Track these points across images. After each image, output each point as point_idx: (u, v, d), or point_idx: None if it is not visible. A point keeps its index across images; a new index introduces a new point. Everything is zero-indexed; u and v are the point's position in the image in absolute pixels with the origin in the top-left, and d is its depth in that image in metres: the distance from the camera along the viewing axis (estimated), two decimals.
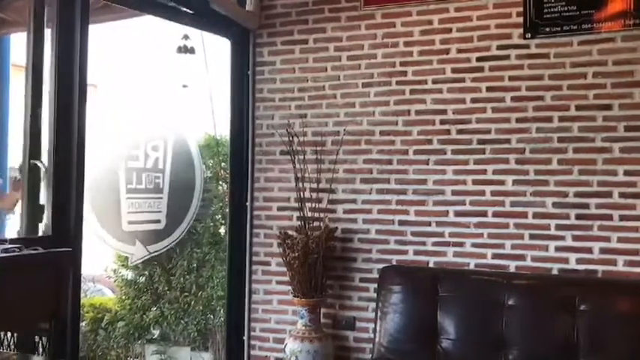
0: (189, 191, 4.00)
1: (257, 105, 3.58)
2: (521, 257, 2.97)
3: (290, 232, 3.27)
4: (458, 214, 3.11)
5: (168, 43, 3.71)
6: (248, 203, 3.55)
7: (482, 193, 3.07)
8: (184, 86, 3.76)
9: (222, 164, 4.49)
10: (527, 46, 3.01)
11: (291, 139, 3.36)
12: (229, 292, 3.54)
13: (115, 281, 4.52)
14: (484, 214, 3.06)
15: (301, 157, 3.37)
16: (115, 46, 3.67)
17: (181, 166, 4.10)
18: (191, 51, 3.73)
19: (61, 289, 2.06)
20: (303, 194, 3.34)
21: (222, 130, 4.38)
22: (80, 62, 2.50)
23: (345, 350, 3.28)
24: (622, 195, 2.84)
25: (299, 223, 3.33)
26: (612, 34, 2.86)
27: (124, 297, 4.45)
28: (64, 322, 2.27)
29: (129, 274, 4.42)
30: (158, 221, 3.92)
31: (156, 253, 4.05)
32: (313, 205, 3.34)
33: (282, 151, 3.45)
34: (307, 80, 3.47)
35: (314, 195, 3.34)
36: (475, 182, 3.09)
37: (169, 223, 4.01)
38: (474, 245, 3.07)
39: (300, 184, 3.34)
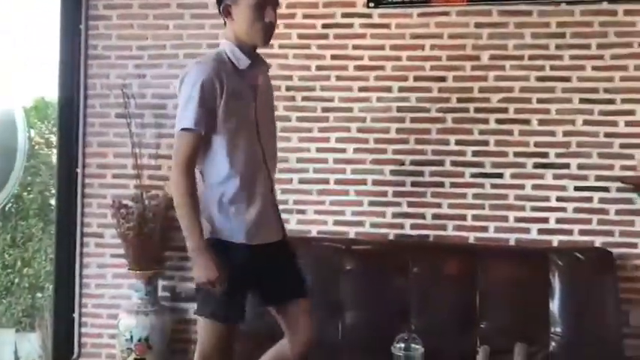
0: (8, 158, 3.58)
1: (90, 63, 3.28)
2: (361, 223, 3.03)
3: (125, 202, 3.05)
4: (302, 181, 3.09)
5: None
6: (79, 170, 3.26)
7: (325, 160, 3.08)
8: None
9: (55, 129, 4.10)
10: (370, 16, 3.04)
11: (127, 100, 3.12)
12: (57, 268, 3.25)
13: None
14: (326, 181, 3.07)
15: (139, 120, 3.15)
16: None
17: None
18: None
19: None
20: (141, 161, 3.13)
21: (53, 90, 3.98)
22: None
23: (185, 323, 3.15)
24: (453, 163, 2.99)
25: (136, 191, 3.12)
26: (448, 8, 2.97)
27: None
28: None
29: None
30: None
31: None
32: (152, 172, 3.14)
33: (118, 114, 3.20)
34: (147, 38, 3.23)
35: (153, 161, 3.15)
36: (319, 150, 3.08)
37: None
38: (317, 212, 3.08)
39: (137, 150, 3.12)
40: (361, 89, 3.04)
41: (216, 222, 1.94)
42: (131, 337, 2.91)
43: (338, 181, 3.06)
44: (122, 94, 3.12)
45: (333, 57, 3.07)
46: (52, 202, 4.02)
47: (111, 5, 3.26)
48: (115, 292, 3.22)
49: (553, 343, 2.65)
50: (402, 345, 1.78)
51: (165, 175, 3.15)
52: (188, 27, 3.20)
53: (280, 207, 3.01)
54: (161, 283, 3.16)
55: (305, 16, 3.09)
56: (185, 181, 1.88)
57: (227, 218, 1.94)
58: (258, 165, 1.99)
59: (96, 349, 3.23)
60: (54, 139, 4.06)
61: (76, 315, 3.23)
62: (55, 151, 4.07)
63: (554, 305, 2.69)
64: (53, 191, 4.02)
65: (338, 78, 3.07)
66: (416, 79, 3.01)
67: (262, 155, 2.01)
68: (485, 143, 2.96)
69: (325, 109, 3.07)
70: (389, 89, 3.03)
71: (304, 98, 3.09)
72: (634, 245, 2.87)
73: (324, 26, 3.08)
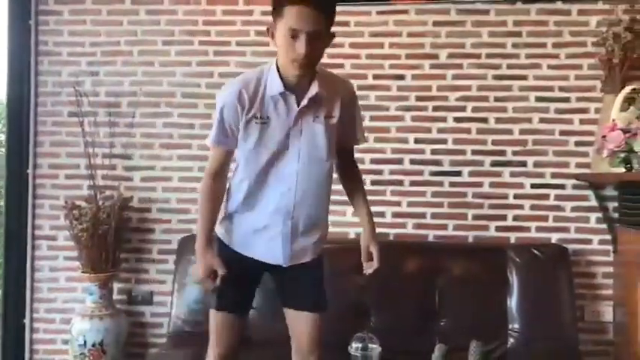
0: None
1: (40, 59, 3.17)
2: None
3: (78, 203, 2.96)
4: None
5: None
6: (30, 171, 3.15)
7: None
8: None
9: (4, 128, 3.95)
10: None
11: (80, 98, 3.03)
12: (6, 271, 3.13)
13: None
14: None
15: (92, 119, 3.06)
16: None
17: None
18: None
19: None
20: (94, 160, 3.04)
21: (2, 88, 3.84)
22: None
23: (141, 326, 3.08)
24: (412, 161, 2.99)
25: (89, 192, 3.03)
26: (406, 6, 2.98)
27: None
28: None
29: None
30: None
31: None
32: (106, 172, 3.05)
33: (70, 112, 3.10)
34: (100, 34, 3.14)
35: (107, 161, 3.06)
36: None
37: None
38: None
39: (91, 150, 3.03)
40: None
41: (221, 221, 1.99)
42: (84, 342, 2.82)
43: None
44: (74, 92, 3.03)
45: None
46: (2, 203, 3.88)
47: (62, 0, 3.16)
48: (69, 295, 3.12)
49: (511, 340, 2.68)
50: (359, 345, 1.76)
51: (120, 175, 3.09)
52: (143, 23, 3.12)
53: None
54: (116, 285, 3.08)
55: (263, 13, 3.04)
56: (205, 187, 1.92)
57: (227, 222, 1.97)
58: (270, 189, 1.91)
59: (48, 355, 3.13)
60: (3, 138, 3.92)
61: (27, 320, 3.12)
62: (4, 151, 3.94)
63: (512, 302, 2.71)
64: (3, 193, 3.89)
65: None
66: (375, 77, 3.00)
67: (282, 181, 1.90)
68: (444, 142, 2.98)
69: None
70: None
71: None
72: (589, 241, 2.92)
73: None
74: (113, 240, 2.92)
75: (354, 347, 1.76)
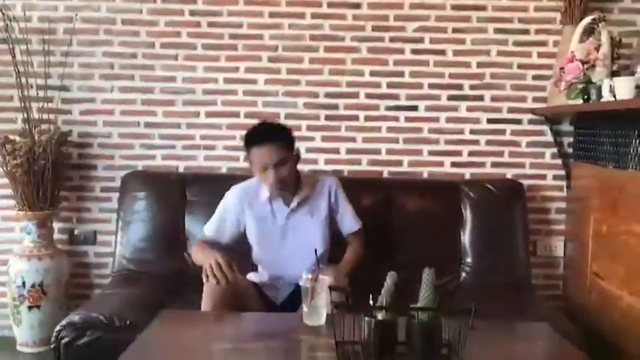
0: None
1: None
2: None
3: (12, 137, 2.75)
4: (209, 114, 2.91)
5: None
6: None
7: (235, 92, 2.90)
8: None
9: None
10: None
11: (9, 23, 2.78)
12: None
13: None
14: (236, 114, 2.90)
15: (24, 46, 2.82)
16: None
17: None
18: None
19: None
20: (28, 92, 2.82)
21: None
22: None
23: (84, 267, 2.95)
24: (368, 96, 2.89)
25: (24, 125, 2.82)
26: None
27: None
28: None
29: None
30: None
31: None
32: (42, 105, 2.84)
33: None
34: None
35: (42, 93, 2.84)
36: (227, 80, 2.89)
37: None
38: (226, 148, 2.91)
39: (24, 80, 2.80)
40: (272, 15, 2.85)
41: None
42: (23, 282, 2.68)
43: (248, 115, 2.89)
44: (3, 16, 2.76)
45: None
46: None
47: None
48: (5, 236, 2.95)
49: (464, 274, 2.67)
50: (309, 275, 1.71)
51: (57, 108, 2.88)
52: None
53: (186, 142, 2.92)
54: (57, 225, 2.92)
55: None
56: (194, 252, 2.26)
57: None
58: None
59: None
60: None
61: None
62: None
63: (466, 236, 2.69)
64: None
65: (247, 2, 2.85)
66: (330, 5, 2.85)
67: (281, 270, 2.20)
68: (401, 74, 2.87)
69: (233, 36, 2.87)
70: (302, 15, 2.85)
71: (210, 24, 2.87)
72: (543, 177, 2.91)
73: None
74: (51, 176, 2.74)
75: (304, 278, 1.71)
